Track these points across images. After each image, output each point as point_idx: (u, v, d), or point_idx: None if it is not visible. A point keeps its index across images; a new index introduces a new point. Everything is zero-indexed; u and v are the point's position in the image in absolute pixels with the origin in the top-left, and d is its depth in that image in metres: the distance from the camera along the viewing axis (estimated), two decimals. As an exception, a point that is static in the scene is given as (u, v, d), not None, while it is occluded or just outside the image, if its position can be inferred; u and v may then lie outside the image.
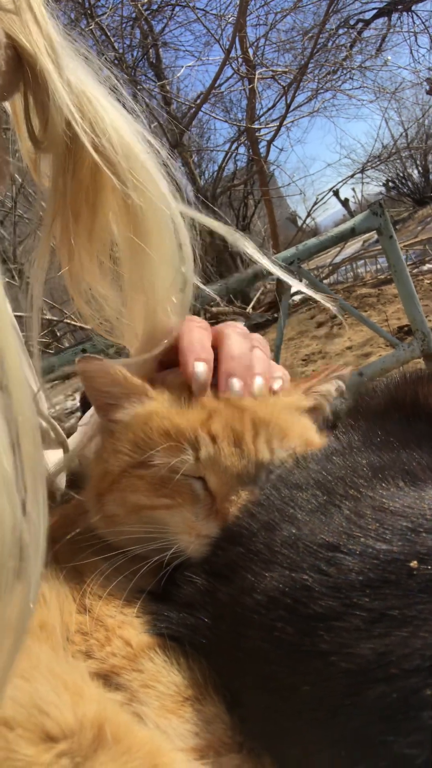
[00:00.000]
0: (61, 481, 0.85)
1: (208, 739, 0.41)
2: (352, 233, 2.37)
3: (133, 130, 0.64)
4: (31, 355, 0.68)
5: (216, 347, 0.67)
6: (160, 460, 0.57)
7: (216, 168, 7.49)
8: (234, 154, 7.77)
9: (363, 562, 0.39)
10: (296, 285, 0.82)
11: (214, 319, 6.96)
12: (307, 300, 5.72)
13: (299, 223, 10.60)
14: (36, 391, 0.73)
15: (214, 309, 5.12)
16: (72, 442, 0.91)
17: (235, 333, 0.68)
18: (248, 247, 0.74)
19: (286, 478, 0.53)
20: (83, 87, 0.60)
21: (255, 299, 6.76)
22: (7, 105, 0.69)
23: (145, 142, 0.65)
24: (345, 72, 6.75)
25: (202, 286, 0.77)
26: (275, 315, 5.94)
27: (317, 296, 0.88)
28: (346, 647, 0.36)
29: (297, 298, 6.44)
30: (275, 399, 0.65)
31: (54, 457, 0.84)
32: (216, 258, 9.35)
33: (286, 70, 5.51)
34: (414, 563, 0.37)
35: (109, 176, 0.62)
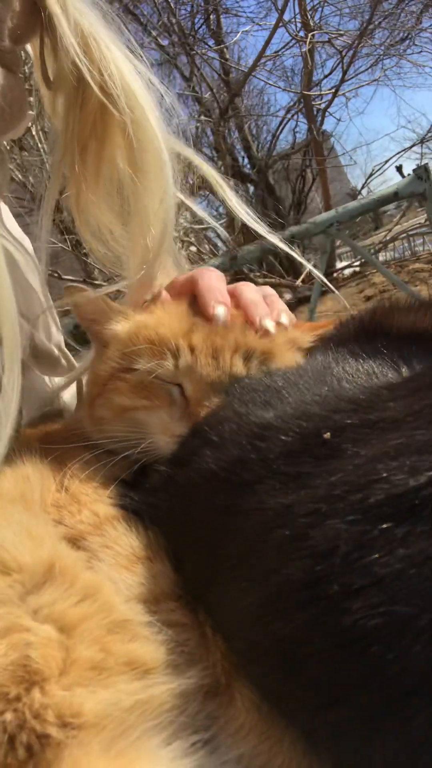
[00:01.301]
0: (72, 402, 0.92)
1: (152, 589, 0.47)
2: (395, 197, 2.34)
3: (134, 69, 0.69)
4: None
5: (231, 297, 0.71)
6: (143, 365, 0.63)
7: (272, 138, 7.38)
8: (293, 125, 7.64)
9: (288, 435, 0.44)
10: (275, 241, 0.84)
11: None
12: (356, 273, 5.64)
13: (357, 196, 10.36)
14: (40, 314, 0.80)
15: (260, 280, 5.12)
16: None
17: (247, 286, 0.72)
18: (227, 193, 0.78)
19: (249, 385, 0.58)
20: (92, 30, 0.66)
21: (305, 273, 6.69)
22: (30, 50, 0.75)
23: (144, 81, 0.70)
24: (410, 39, 6.48)
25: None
26: (323, 289, 5.88)
27: (277, 241, 0.90)
28: (262, 503, 0.41)
29: (347, 272, 6.35)
30: (282, 334, 0.69)
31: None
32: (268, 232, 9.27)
33: (342, 32, 5.35)
34: (327, 434, 0.41)
35: (112, 112, 0.67)
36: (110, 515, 0.53)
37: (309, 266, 0.96)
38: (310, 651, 0.33)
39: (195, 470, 0.50)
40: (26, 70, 0.79)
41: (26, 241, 0.92)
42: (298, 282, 6.42)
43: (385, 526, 0.32)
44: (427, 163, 2.31)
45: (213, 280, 0.71)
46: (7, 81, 0.64)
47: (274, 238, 0.84)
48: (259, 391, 0.55)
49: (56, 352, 0.90)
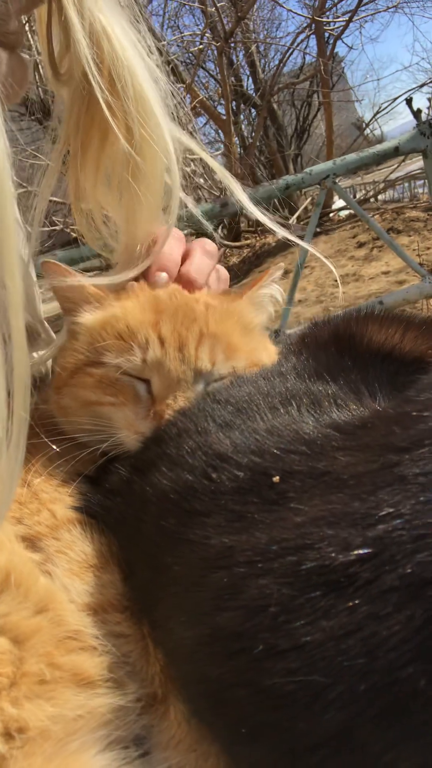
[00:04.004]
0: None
1: (100, 599, 0.50)
2: (396, 152, 2.26)
3: (146, 68, 0.66)
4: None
5: (184, 259, 0.73)
6: (110, 360, 0.63)
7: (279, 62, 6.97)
8: (304, 46, 7.21)
9: (240, 470, 0.45)
10: (275, 227, 0.85)
11: (255, 227, 6.80)
12: (352, 216, 5.52)
13: (363, 128, 9.97)
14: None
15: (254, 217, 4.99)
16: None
17: (202, 250, 0.74)
18: (236, 191, 0.79)
19: (214, 394, 0.59)
20: (105, 23, 0.62)
21: (301, 209, 6.53)
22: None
23: (154, 82, 0.68)
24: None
25: (192, 207, 0.82)
26: (318, 229, 5.77)
27: (286, 234, 0.91)
28: (207, 539, 0.43)
29: (343, 213, 6.21)
30: (232, 316, 0.69)
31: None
32: (269, 161, 8.97)
33: None
34: (276, 478, 0.43)
35: (119, 116, 0.65)
36: (66, 518, 0.55)
37: (301, 242, 0.94)
38: (232, 695, 0.36)
39: (150, 485, 0.51)
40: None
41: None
42: (293, 219, 6.28)
43: (312, 595, 0.34)
44: (430, 119, 2.23)
45: (167, 243, 0.73)
46: (11, 62, 0.61)
47: (279, 228, 0.85)
48: (222, 403, 0.57)
49: (39, 327, 0.89)
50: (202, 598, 0.40)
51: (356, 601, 0.33)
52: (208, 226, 0.89)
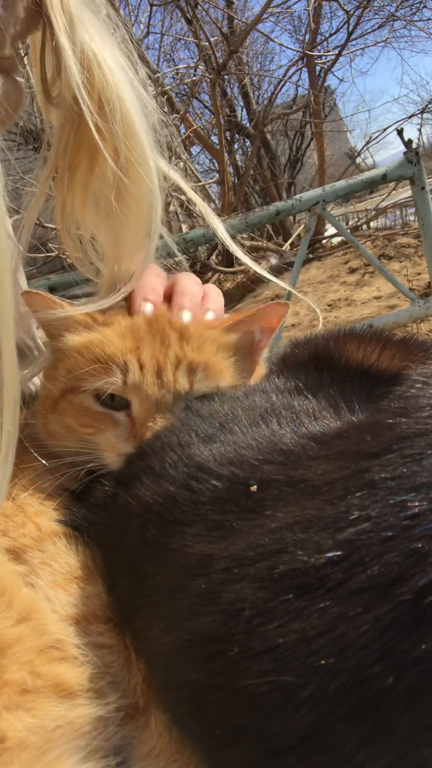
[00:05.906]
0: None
1: (84, 610, 0.50)
2: (384, 179, 2.32)
3: (135, 94, 0.68)
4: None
5: (170, 291, 0.74)
6: (90, 384, 0.64)
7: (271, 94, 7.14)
8: (296, 78, 7.40)
9: (220, 481, 0.46)
10: (252, 264, 0.87)
11: (251, 252, 6.88)
12: (344, 242, 5.61)
13: (356, 157, 10.18)
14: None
15: (247, 243, 5.10)
16: None
17: (188, 278, 0.75)
18: (217, 227, 0.82)
19: (196, 409, 0.60)
20: (96, 50, 0.64)
21: (294, 235, 6.63)
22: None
23: (142, 110, 0.70)
24: (422, 2, 6.26)
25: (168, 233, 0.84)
26: (311, 255, 5.85)
27: (263, 272, 0.93)
28: (187, 547, 0.44)
29: (335, 240, 6.30)
30: (213, 342, 0.70)
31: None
32: (262, 190, 9.13)
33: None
34: (254, 487, 0.44)
35: (107, 140, 0.67)
36: (52, 530, 0.56)
37: (277, 281, 0.97)
38: (209, 699, 0.37)
39: (134, 497, 0.52)
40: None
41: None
42: (286, 246, 6.37)
43: (284, 598, 0.35)
44: (418, 147, 2.29)
45: (149, 278, 0.74)
46: (6, 86, 0.63)
47: (256, 266, 0.87)
48: (205, 418, 0.58)
49: (32, 345, 0.90)
50: (182, 604, 0.41)
51: (327, 603, 0.34)
52: (179, 254, 0.90)
